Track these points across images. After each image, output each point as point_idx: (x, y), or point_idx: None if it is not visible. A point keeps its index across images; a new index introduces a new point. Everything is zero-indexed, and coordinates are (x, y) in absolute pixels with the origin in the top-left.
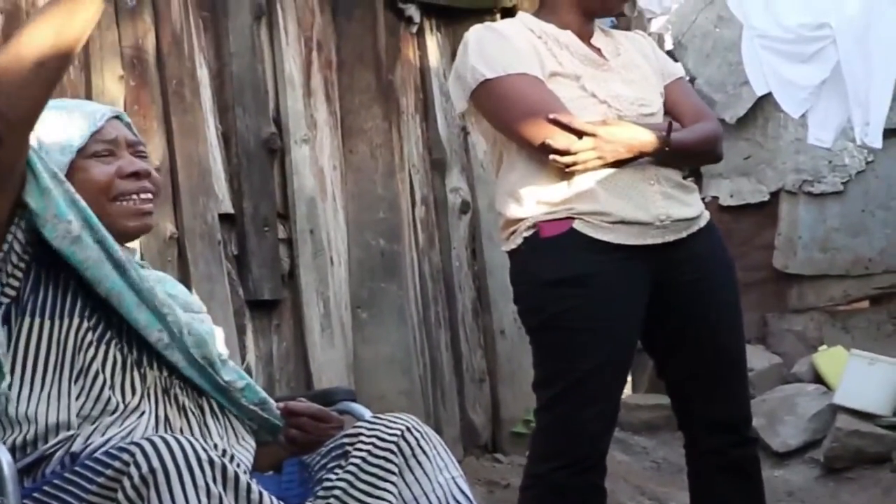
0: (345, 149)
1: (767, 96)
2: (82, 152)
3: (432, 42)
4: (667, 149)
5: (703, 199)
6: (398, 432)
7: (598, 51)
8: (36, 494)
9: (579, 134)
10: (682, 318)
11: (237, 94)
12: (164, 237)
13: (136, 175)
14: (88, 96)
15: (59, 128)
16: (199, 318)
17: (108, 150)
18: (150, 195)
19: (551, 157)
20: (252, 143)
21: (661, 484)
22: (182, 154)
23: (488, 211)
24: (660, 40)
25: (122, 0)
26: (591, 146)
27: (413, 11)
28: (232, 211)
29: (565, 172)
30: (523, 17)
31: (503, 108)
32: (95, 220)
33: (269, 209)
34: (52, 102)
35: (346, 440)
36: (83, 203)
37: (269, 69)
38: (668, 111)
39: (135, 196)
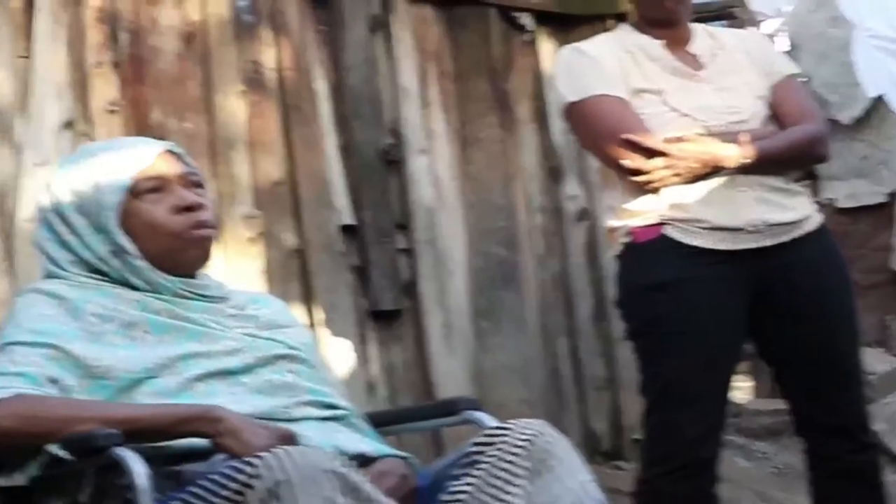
0: (462, 158)
1: (884, 97)
2: (133, 191)
3: (547, 50)
4: (746, 162)
5: (818, 201)
6: (530, 437)
7: (695, 58)
8: None
9: (652, 153)
10: (794, 323)
11: (355, 106)
12: (286, 250)
13: (190, 208)
14: (209, 112)
15: (109, 169)
16: (291, 331)
17: (157, 187)
18: (206, 229)
19: (629, 177)
20: (370, 154)
21: (783, 489)
22: (302, 167)
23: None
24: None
25: (240, 16)
26: (664, 165)
27: (527, 20)
28: (352, 222)
29: (647, 189)
30: (620, 32)
31: (586, 130)
32: None
33: (389, 220)
34: (99, 144)
35: (474, 448)
36: None
37: (386, 81)
38: (773, 112)
39: (193, 231)
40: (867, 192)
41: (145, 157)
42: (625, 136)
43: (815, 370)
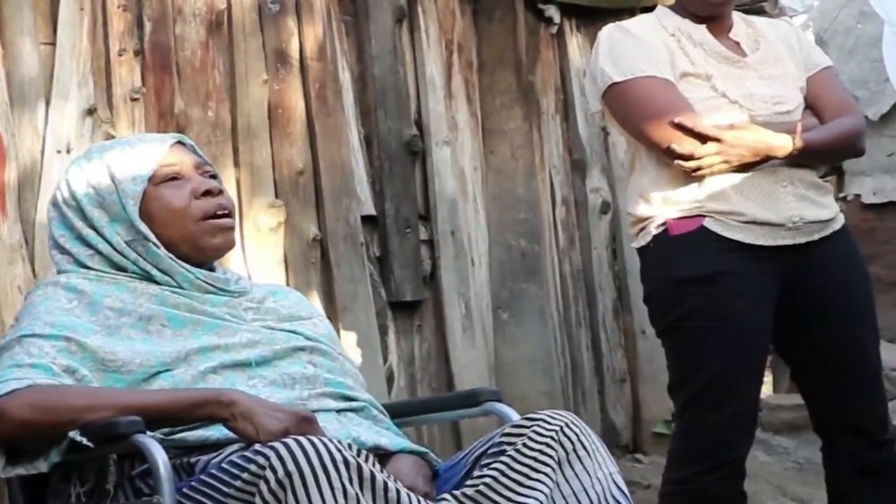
0: (485, 150)
1: None
2: (152, 180)
3: (572, 42)
4: (795, 152)
5: (844, 196)
6: (557, 427)
7: (737, 45)
8: (176, 496)
9: (704, 138)
10: (814, 322)
11: (379, 96)
12: (307, 239)
13: (209, 193)
14: (233, 100)
15: (127, 162)
16: (310, 322)
17: (176, 174)
18: (226, 212)
19: (676, 161)
20: (394, 145)
21: (803, 484)
22: (325, 157)
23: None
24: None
25: (266, 5)
26: (716, 151)
27: (553, 12)
28: (374, 213)
29: (694, 175)
30: (660, 14)
31: (630, 111)
32: None
33: (411, 211)
34: (113, 141)
35: (503, 438)
36: None
37: (411, 72)
38: (810, 105)
39: (215, 214)
40: (893, 188)
41: (160, 148)
42: (676, 119)
43: (833, 369)
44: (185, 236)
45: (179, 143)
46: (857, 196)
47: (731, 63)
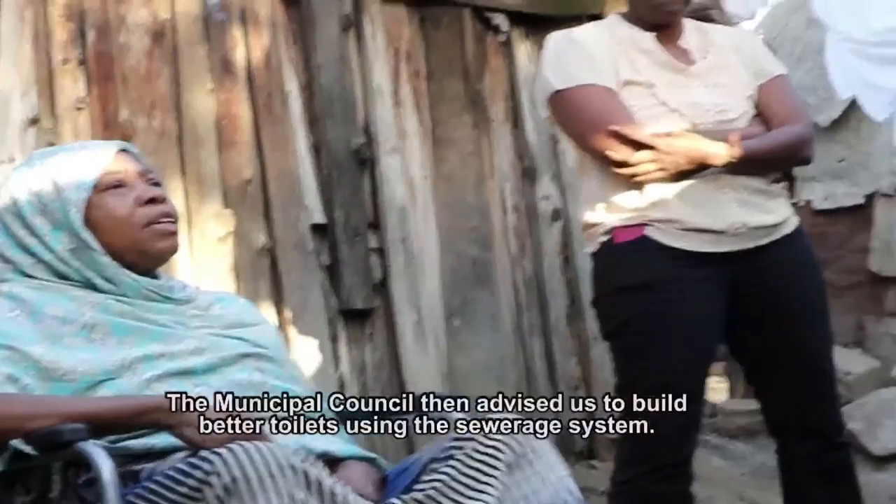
0: (435, 158)
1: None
2: (96, 188)
3: (521, 50)
4: (734, 160)
5: (796, 202)
6: (507, 430)
7: (686, 53)
8: None
9: (639, 146)
10: (768, 325)
11: (326, 105)
12: (256, 248)
13: (154, 200)
14: (178, 110)
15: (70, 169)
16: (257, 329)
17: (119, 182)
18: (171, 219)
19: (614, 169)
20: (342, 153)
21: (759, 489)
22: (273, 166)
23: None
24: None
25: (211, 14)
26: (650, 158)
27: (501, 20)
28: (323, 221)
29: (632, 182)
30: (610, 21)
31: (571, 119)
32: None
33: (361, 219)
34: (56, 148)
35: (453, 443)
36: None
37: (358, 80)
38: (760, 113)
39: (159, 221)
40: (844, 194)
41: (104, 156)
42: (612, 127)
43: (788, 372)
44: (129, 244)
45: (124, 150)
46: (809, 202)
47: (675, 71)
